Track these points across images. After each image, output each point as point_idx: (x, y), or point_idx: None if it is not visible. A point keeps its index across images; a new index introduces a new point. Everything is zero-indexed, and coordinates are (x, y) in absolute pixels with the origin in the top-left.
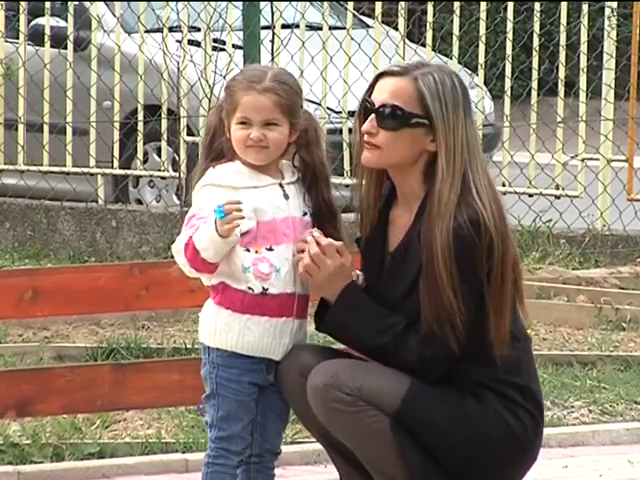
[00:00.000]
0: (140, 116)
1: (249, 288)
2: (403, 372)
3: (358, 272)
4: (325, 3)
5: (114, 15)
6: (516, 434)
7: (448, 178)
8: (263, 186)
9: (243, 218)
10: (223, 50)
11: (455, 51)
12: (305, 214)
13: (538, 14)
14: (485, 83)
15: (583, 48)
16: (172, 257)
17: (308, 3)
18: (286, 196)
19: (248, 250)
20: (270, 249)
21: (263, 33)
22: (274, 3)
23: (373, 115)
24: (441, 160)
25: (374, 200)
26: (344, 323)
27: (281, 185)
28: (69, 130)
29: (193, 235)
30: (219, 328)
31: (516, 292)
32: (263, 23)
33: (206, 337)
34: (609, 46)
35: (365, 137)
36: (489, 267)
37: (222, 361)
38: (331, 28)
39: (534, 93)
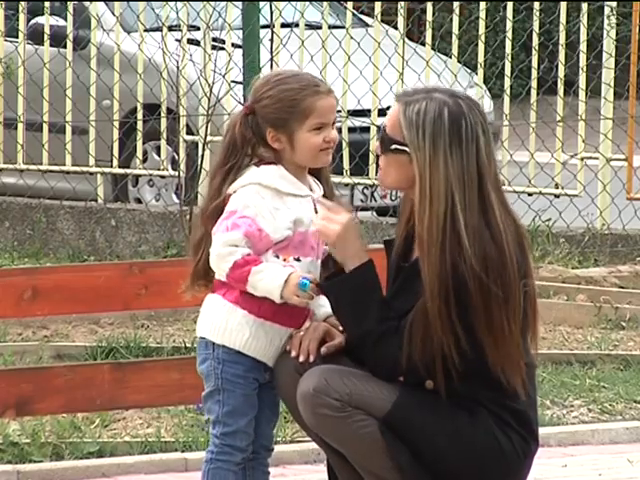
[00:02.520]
0: (139, 115)
1: None
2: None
3: None
4: (324, 2)
5: (113, 14)
6: (505, 452)
7: (424, 213)
8: (302, 196)
9: (312, 298)
10: (222, 49)
11: (454, 50)
12: None
13: (537, 13)
14: (484, 82)
15: (582, 47)
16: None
17: (307, 2)
18: (316, 210)
19: (277, 257)
20: (297, 259)
21: (262, 32)
22: (273, 2)
23: None
24: (416, 190)
25: (408, 210)
26: (351, 293)
27: (312, 199)
28: (68, 129)
29: (253, 268)
30: (231, 327)
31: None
32: (262, 22)
33: (212, 333)
34: (608, 45)
35: None
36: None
37: (229, 357)
38: (330, 27)
39: (533, 92)
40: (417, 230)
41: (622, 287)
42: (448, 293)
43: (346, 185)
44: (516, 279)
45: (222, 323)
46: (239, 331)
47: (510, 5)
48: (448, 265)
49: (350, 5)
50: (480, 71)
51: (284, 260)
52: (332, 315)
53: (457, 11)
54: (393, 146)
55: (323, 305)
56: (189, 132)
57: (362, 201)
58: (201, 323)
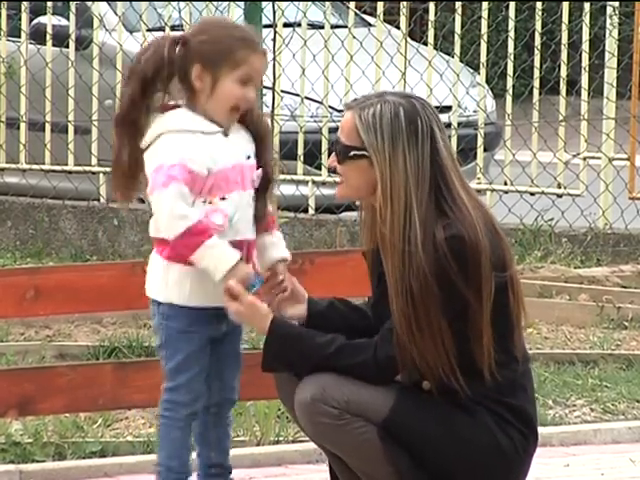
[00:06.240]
0: None
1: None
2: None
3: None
4: (327, 2)
5: (116, 14)
6: (504, 450)
7: (386, 213)
8: (212, 133)
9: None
10: None
11: (457, 50)
12: (249, 157)
13: (540, 13)
14: (487, 82)
15: (585, 47)
16: None
17: (310, 2)
18: (231, 143)
19: (204, 201)
20: (223, 198)
21: (265, 32)
22: (276, 2)
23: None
24: (378, 191)
25: (371, 219)
26: (284, 354)
27: (225, 133)
28: (71, 129)
29: (207, 241)
30: (171, 283)
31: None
32: (265, 22)
33: (155, 293)
34: (611, 45)
35: None
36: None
37: (172, 312)
38: (333, 27)
39: (536, 92)
40: (380, 229)
41: (624, 287)
42: (407, 293)
43: None
44: (485, 273)
45: (162, 281)
46: (180, 286)
47: (512, 5)
48: (406, 264)
49: (352, 5)
50: (482, 71)
51: (210, 203)
52: (280, 259)
53: (459, 11)
54: (352, 152)
55: (268, 248)
56: None
57: None
58: (147, 283)
